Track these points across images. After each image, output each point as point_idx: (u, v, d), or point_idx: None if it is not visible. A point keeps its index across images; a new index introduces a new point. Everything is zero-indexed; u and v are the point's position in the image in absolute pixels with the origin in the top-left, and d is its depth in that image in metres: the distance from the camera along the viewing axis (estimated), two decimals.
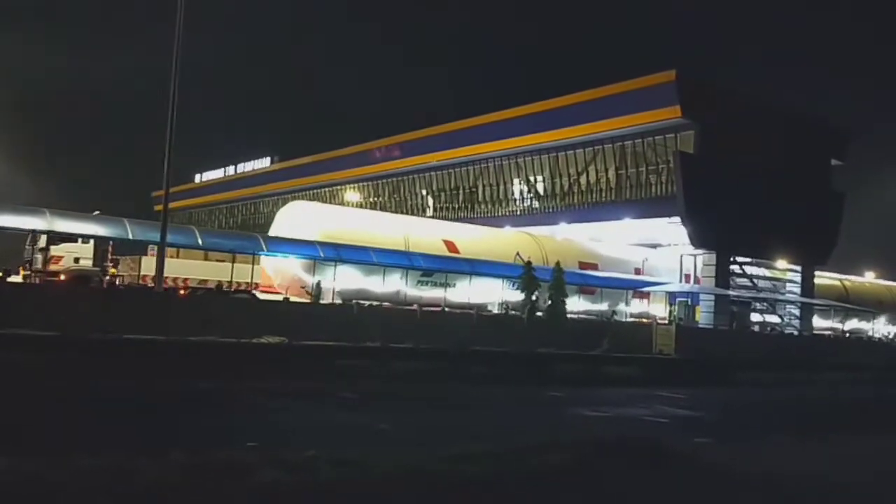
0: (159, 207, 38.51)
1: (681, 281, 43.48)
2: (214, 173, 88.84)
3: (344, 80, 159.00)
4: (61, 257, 26.09)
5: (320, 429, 12.32)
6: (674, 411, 18.60)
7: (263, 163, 79.68)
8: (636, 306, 40.82)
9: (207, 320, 21.92)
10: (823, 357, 35.31)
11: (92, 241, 26.67)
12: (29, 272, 25.93)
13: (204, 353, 18.82)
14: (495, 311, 33.78)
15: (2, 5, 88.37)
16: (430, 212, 55.37)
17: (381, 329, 24.06)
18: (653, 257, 44.62)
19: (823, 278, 50.92)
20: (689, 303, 41.22)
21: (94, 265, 26.83)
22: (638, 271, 42.78)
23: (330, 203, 59.46)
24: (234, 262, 28.48)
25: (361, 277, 30.85)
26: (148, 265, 27.34)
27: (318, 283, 28.79)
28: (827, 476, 9.97)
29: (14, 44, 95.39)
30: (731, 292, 41.32)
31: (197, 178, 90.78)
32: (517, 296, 32.02)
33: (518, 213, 49.08)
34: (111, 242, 27.55)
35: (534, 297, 31.00)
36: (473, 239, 38.65)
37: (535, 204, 48.53)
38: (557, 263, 32.74)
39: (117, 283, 28.69)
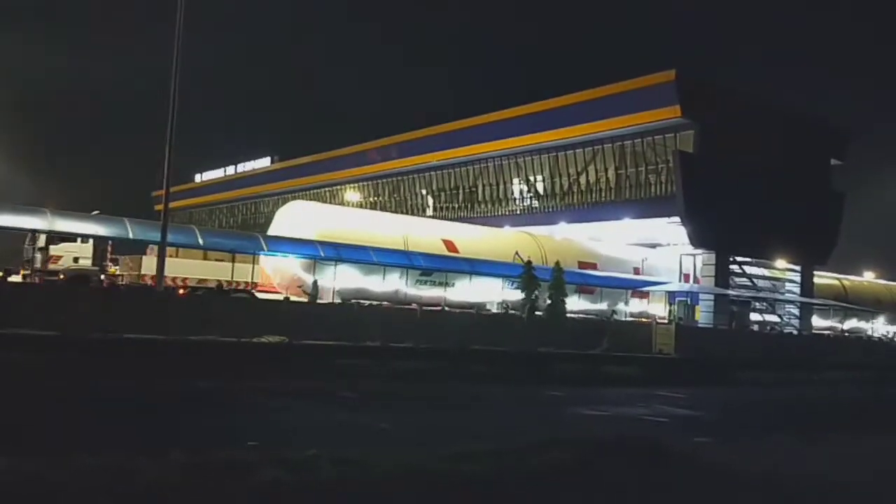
0: (159, 207, 38.52)
1: (680, 280, 43.47)
2: (214, 173, 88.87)
3: (344, 80, 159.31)
4: (60, 257, 26.07)
5: (321, 428, 12.33)
6: (673, 411, 18.60)
7: (263, 163, 79.72)
8: (636, 306, 40.82)
9: (207, 320, 21.97)
10: (823, 356, 35.35)
11: (91, 241, 26.68)
12: (28, 272, 25.91)
13: (204, 353, 18.83)
14: (495, 310, 33.80)
15: (2, 5, 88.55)
16: (429, 211, 55.38)
17: (381, 328, 24.10)
18: (652, 257, 44.60)
19: (823, 278, 50.97)
20: (689, 302, 41.22)
21: (93, 265, 26.81)
22: (637, 271, 42.76)
23: (330, 203, 59.50)
24: (233, 261, 28.46)
25: (361, 277, 30.85)
26: (148, 265, 27.32)
27: (315, 283, 28.77)
28: (827, 475, 9.99)
29: (14, 44, 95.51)
30: (730, 292, 41.34)
31: (197, 177, 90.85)
32: (517, 295, 32.02)
33: (518, 212, 49.07)
34: (110, 242, 27.57)
35: (533, 297, 31.00)
36: (473, 238, 38.64)
37: (535, 204, 48.53)
38: (557, 263, 32.75)
39: (118, 282, 28.71)
